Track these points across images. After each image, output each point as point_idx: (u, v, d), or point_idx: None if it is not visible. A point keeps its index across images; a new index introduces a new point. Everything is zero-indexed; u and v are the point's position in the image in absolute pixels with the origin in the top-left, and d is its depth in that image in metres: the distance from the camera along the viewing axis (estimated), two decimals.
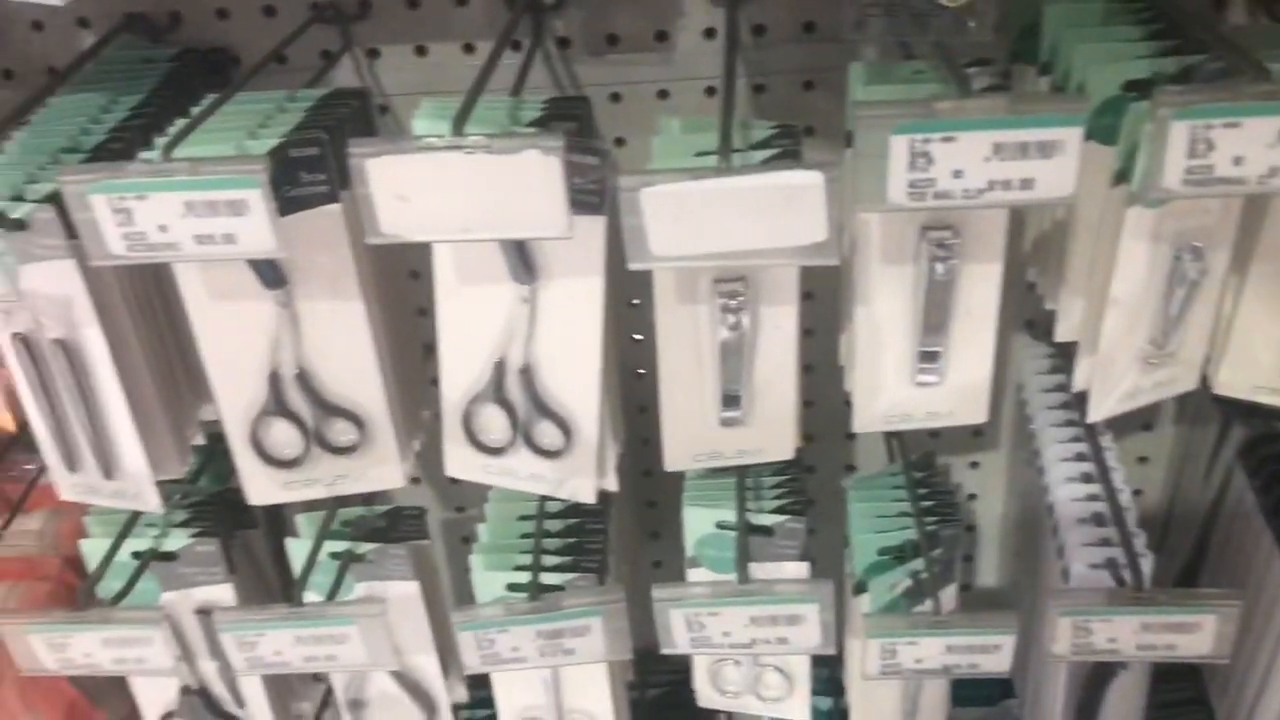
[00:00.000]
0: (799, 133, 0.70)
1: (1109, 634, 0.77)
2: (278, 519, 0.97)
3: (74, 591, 0.91)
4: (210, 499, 0.91)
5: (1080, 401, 0.78)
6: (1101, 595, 0.73)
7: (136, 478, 0.79)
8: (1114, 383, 0.76)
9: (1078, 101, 0.57)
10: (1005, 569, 1.14)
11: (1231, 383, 0.77)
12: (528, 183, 0.62)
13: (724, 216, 0.62)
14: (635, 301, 0.98)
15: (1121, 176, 0.70)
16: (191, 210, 0.62)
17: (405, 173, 0.61)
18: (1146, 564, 0.77)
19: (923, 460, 0.89)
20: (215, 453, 0.88)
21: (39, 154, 0.74)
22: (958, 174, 0.59)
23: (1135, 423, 1.02)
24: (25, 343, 0.73)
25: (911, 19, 0.61)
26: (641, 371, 1.01)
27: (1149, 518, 0.84)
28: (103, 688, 1.00)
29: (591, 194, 0.67)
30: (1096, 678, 0.87)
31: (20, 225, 0.68)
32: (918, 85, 0.69)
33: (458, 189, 0.62)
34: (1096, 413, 0.77)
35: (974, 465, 1.08)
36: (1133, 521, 0.81)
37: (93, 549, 0.87)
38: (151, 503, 0.80)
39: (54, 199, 0.67)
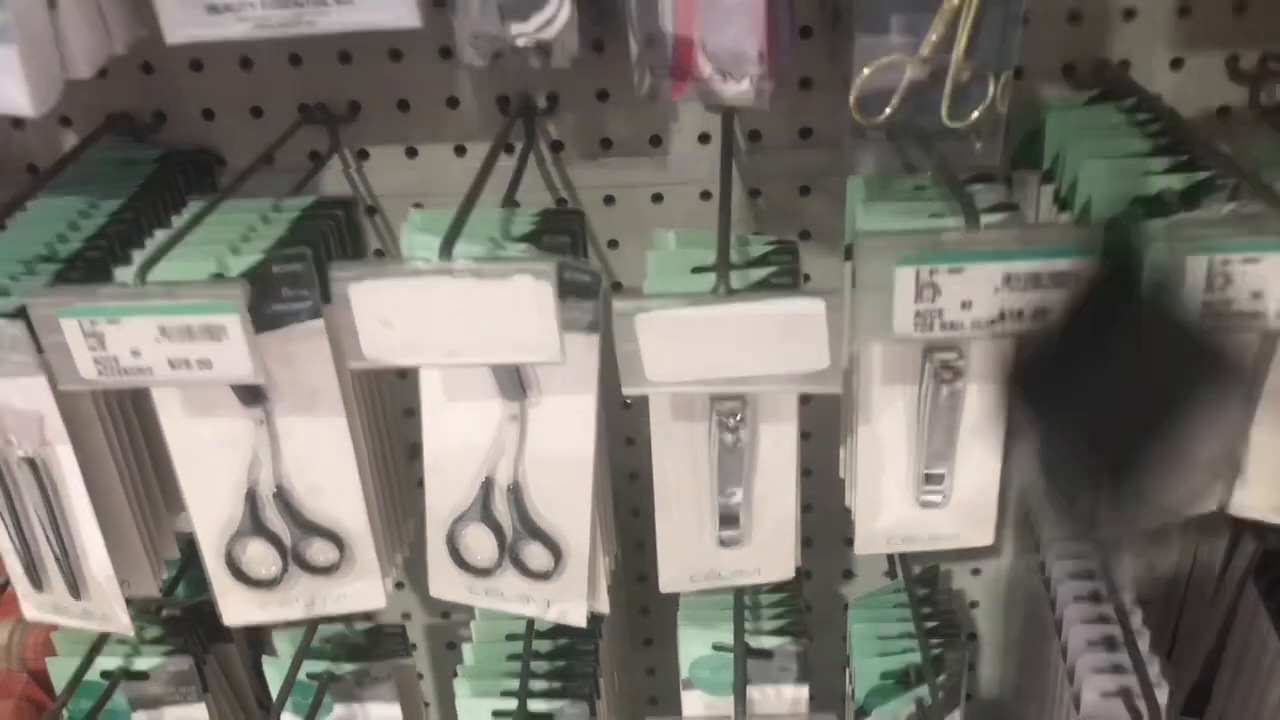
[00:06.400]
0: (797, 249, 0.68)
1: None
2: (255, 633, 0.93)
3: (40, 710, 0.87)
4: (185, 614, 0.87)
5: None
6: None
7: (106, 598, 0.75)
8: None
9: (1090, 230, 0.55)
10: (1007, 677, 1.10)
11: (1248, 504, 0.74)
12: (519, 307, 0.59)
13: (722, 342, 0.59)
14: (628, 403, 0.95)
15: None
16: (166, 335, 0.60)
17: (390, 297, 0.59)
18: (1162, 694, 0.74)
19: (926, 576, 0.86)
20: (192, 561, 0.84)
21: (13, 262, 0.71)
22: (966, 305, 0.57)
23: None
24: None
25: (916, 139, 0.60)
26: (635, 474, 0.98)
27: (1155, 629, 0.81)
28: None
29: (584, 313, 0.65)
30: None
31: None
32: (919, 203, 0.67)
33: (445, 313, 0.59)
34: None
35: (976, 572, 1.05)
36: (1146, 646, 0.77)
37: (60, 668, 0.84)
38: (121, 624, 0.76)
39: (24, 313, 0.64)
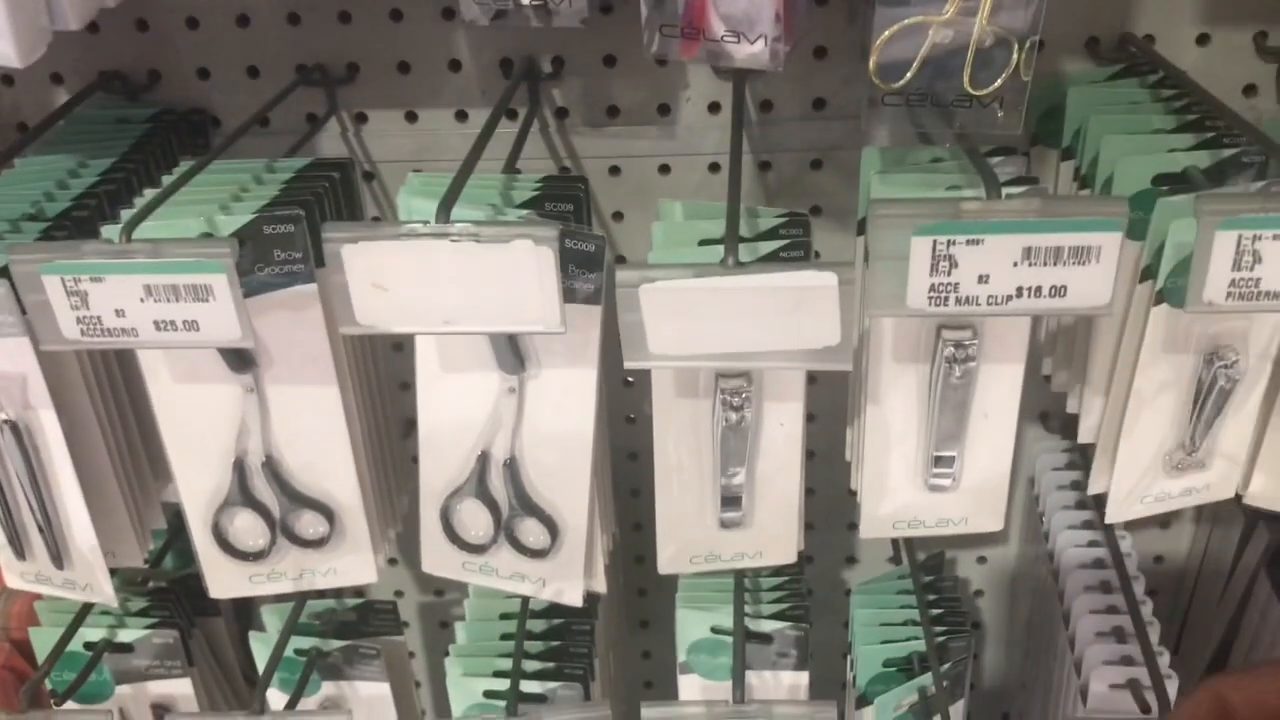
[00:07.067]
0: (808, 223, 0.65)
1: None
2: (244, 605, 0.91)
3: (22, 680, 0.85)
4: (171, 585, 0.85)
5: (1098, 502, 0.74)
6: None
7: (90, 568, 0.73)
8: (1135, 484, 0.71)
9: (1116, 204, 0.53)
10: (1012, 667, 1.09)
11: (1265, 494, 0.72)
12: (519, 274, 0.57)
13: (729, 316, 0.57)
14: (630, 380, 0.93)
15: (1148, 273, 0.66)
16: (151, 295, 0.57)
17: (385, 261, 0.57)
18: (1172, 687, 0.72)
19: (931, 562, 0.84)
20: (180, 532, 0.82)
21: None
22: (983, 279, 0.54)
23: (1152, 520, 0.97)
24: None
25: (935, 109, 0.57)
26: (635, 454, 0.96)
27: (1164, 621, 0.79)
28: None
29: (586, 283, 0.63)
30: None
31: None
32: (936, 174, 0.65)
33: (442, 279, 0.57)
34: (1114, 513, 0.72)
35: (981, 560, 1.03)
36: (1156, 638, 0.75)
37: (43, 639, 0.82)
38: (105, 594, 0.74)
39: (7, 272, 0.62)
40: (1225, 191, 0.61)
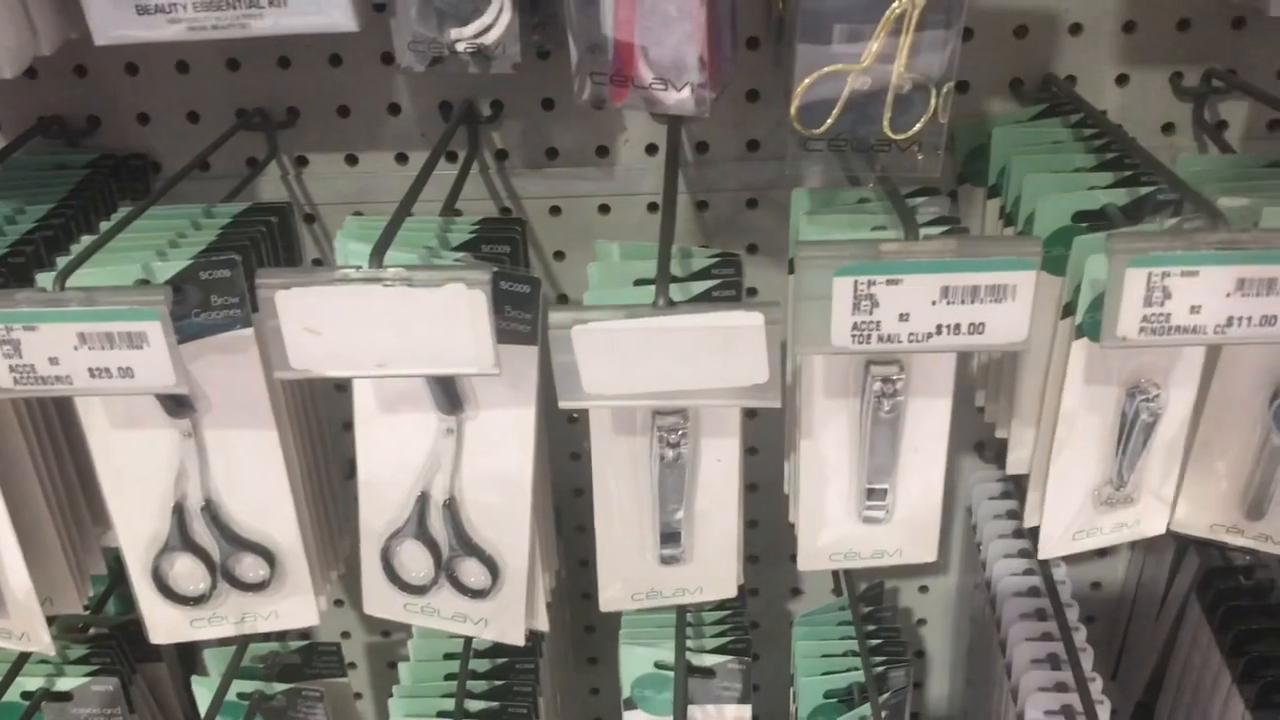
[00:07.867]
0: (740, 262, 0.67)
1: None
2: (187, 649, 0.90)
3: None
4: (113, 632, 0.84)
5: (1033, 532, 0.75)
6: None
7: (26, 615, 0.73)
8: (1066, 521, 0.73)
9: (1030, 243, 0.54)
10: (955, 695, 1.10)
11: (1189, 521, 0.74)
12: (452, 317, 0.58)
13: (660, 356, 0.58)
14: (574, 417, 0.94)
15: (1069, 308, 0.68)
16: (85, 342, 0.58)
17: (318, 306, 0.57)
18: (1104, 712, 0.73)
19: (871, 593, 0.85)
20: (121, 577, 0.82)
21: None
22: (904, 317, 0.56)
23: None
24: None
25: (857, 153, 0.59)
26: (580, 490, 0.97)
27: (1101, 646, 0.81)
28: None
29: (522, 324, 0.64)
30: None
31: None
32: (862, 215, 0.67)
33: (375, 322, 0.58)
34: (1047, 550, 0.74)
35: (923, 589, 1.04)
36: (1089, 664, 0.77)
37: None
38: (42, 642, 0.74)
39: None
40: (1136, 230, 0.63)
